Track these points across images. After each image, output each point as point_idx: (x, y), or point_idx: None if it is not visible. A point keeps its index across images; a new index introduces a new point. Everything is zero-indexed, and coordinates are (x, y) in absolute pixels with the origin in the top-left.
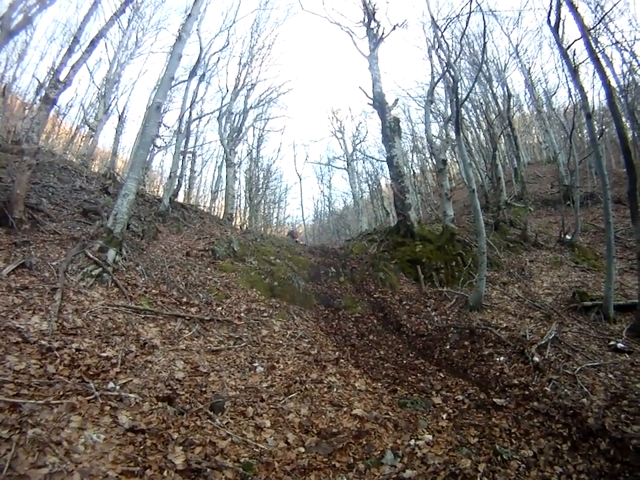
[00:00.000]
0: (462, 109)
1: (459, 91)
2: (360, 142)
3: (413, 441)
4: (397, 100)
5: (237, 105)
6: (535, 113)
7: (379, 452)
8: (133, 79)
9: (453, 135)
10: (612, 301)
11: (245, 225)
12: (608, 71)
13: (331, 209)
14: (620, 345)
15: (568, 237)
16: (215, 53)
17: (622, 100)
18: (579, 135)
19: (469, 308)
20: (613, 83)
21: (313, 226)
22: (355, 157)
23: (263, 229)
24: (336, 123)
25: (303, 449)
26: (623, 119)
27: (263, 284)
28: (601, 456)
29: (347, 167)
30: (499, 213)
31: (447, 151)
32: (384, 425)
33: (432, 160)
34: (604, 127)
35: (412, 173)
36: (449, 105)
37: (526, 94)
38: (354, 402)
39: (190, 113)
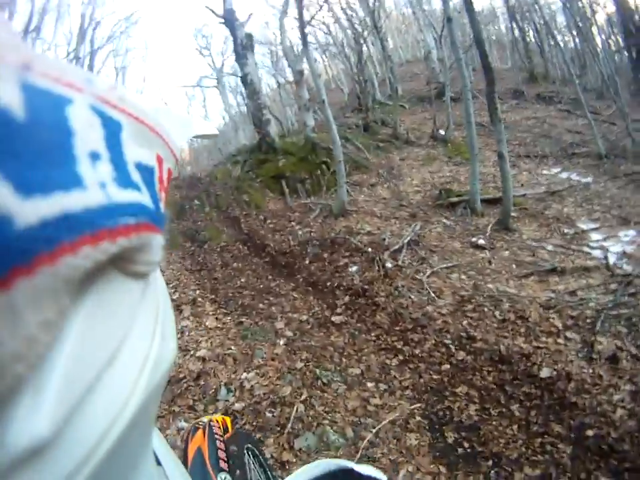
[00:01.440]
0: (327, 11)
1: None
2: (228, 56)
3: (245, 374)
4: (250, 15)
5: (85, 47)
6: (411, 13)
7: (214, 389)
8: None
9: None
10: (478, 195)
11: None
12: None
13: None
14: (481, 242)
15: (441, 132)
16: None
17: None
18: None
19: (333, 216)
20: None
21: (191, 150)
22: (224, 73)
23: None
24: (201, 40)
25: None
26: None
27: None
28: (433, 369)
29: (217, 85)
30: (367, 113)
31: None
32: (224, 361)
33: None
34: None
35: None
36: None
37: None
38: (201, 342)
39: None
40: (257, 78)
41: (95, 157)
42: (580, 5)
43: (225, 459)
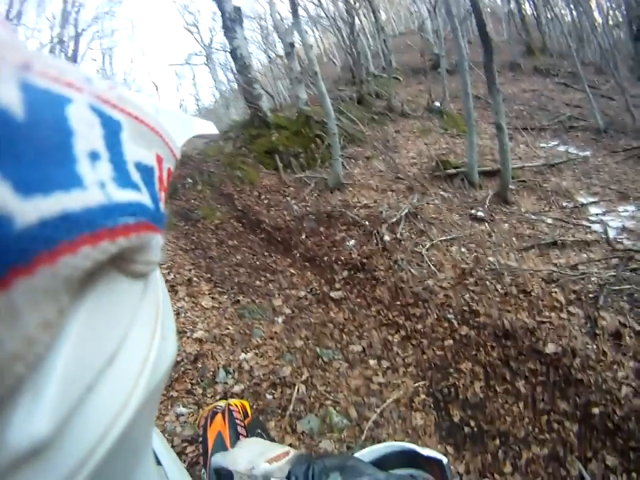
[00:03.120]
0: None
1: None
2: (217, 32)
3: (243, 354)
4: None
5: (68, 31)
6: None
7: (212, 372)
8: None
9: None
10: (476, 167)
11: None
12: None
13: (199, 106)
14: (480, 214)
15: (437, 104)
16: None
17: None
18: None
19: (329, 190)
20: None
21: None
22: (213, 49)
23: None
24: (188, 17)
25: None
26: None
27: None
28: (436, 345)
29: (206, 62)
30: (361, 86)
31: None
32: (222, 342)
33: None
34: None
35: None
36: None
37: None
38: (198, 323)
39: None
40: (246, 52)
41: (94, 156)
42: None
43: None
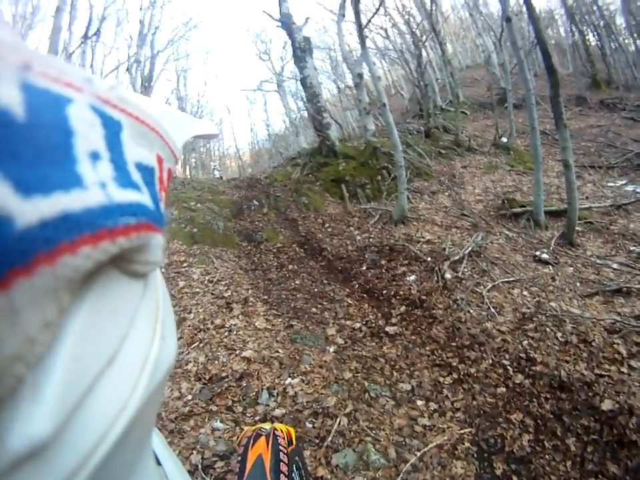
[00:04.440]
0: (384, 15)
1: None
2: (288, 61)
3: (289, 379)
4: (307, 18)
5: (145, 51)
6: (469, 16)
7: (256, 392)
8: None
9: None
10: (542, 207)
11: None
12: None
13: (269, 132)
14: (544, 256)
15: (504, 139)
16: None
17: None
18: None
19: (393, 223)
20: None
21: (252, 153)
22: (284, 77)
23: (199, 170)
24: (261, 45)
25: (190, 397)
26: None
27: (183, 233)
28: (488, 392)
29: (277, 89)
30: (429, 119)
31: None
32: (270, 364)
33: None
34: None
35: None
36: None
37: None
38: (249, 343)
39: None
40: (316, 81)
41: (95, 156)
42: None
43: (287, 474)
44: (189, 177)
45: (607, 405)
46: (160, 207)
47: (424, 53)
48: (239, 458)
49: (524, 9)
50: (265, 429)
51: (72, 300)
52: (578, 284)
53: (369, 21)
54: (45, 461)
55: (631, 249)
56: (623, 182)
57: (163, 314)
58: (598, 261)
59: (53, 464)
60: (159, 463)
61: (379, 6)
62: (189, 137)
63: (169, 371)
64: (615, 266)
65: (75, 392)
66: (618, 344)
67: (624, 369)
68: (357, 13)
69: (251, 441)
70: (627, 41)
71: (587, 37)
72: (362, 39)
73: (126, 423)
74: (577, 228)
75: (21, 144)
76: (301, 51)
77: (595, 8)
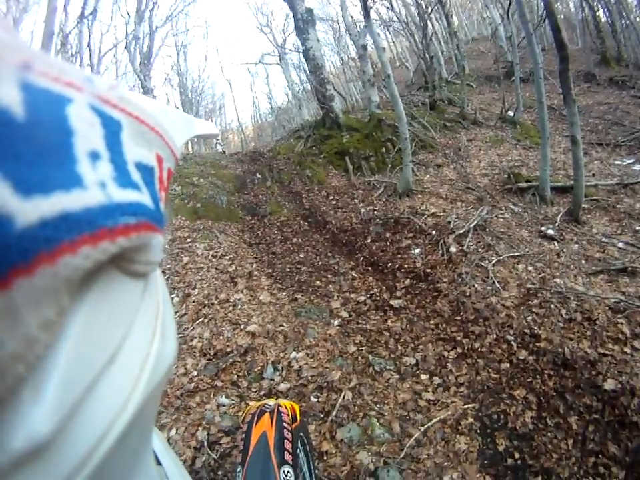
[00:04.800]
0: None
1: None
2: (290, 33)
3: (294, 353)
4: None
5: (143, 28)
6: None
7: (260, 367)
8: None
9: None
10: (548, 182)
11: None
12: None
13: (272, 106)
14: (550, 232)
15: (510, 113)
16: None
17: None
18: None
19: (397, 195)
20: None
21: (255, 127)
22: (287, 50)
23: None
24: (262, 18)
25: (195, 373)
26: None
27: (186, 208)
28: (492, 367)
29: (279, 62)
30: (434, 92)
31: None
32: (274, 338)
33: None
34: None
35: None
36: None
37: None
38: (253, 317)
39: (91, 54)
40: (319, 53)
41: (95, 156)
42: None
43: (290, 451)
44: (191, 152)
45: (609, 385)
46: (160, 207)
47: (429, 25)
48: (243, 435)
49: None
50: (269, 405)
51: (72, 300)
52: (583, 261)
53: None
54: (46, 461)
55: (637, 228)
56: (631, 161)
57: (163, 314)
58: (603, 239)
59: (53, 463)
60: (159, 463)
61: None
62: (189, 136)
63: (168, 370)
64: (620, 245)
65: (75, 392)
66: (622, 324)
67: (627, 349)
68: None
69: (255, 418)
70: (638, 19)
71: (597, 13)
72: (366, 10)
73: (126, 422)
74: (583, 205)
75: (21, 144)
76: (304, 23)
77: None
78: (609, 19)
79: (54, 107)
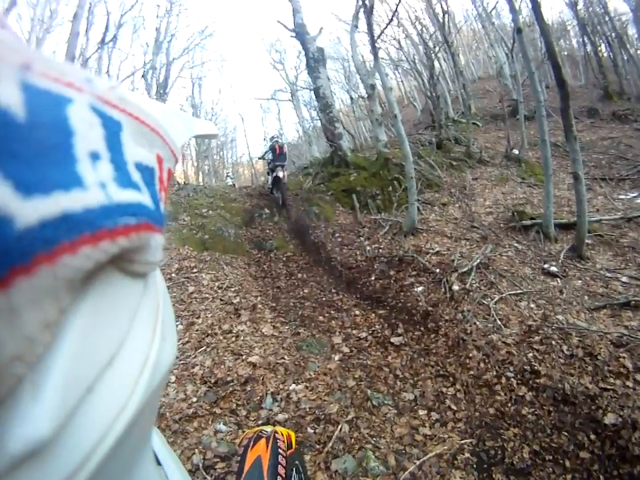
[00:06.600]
0: (397, 27)
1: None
2: (302, 71)
3: (294, 385)
4: (321, 29)
5: (161, 59)
6: (481, 28)
7: (259, 397)
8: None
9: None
10: (552, 219)
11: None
12: None
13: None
14: (553, 269)
15: (515, 151)
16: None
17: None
18: (536, 48)
19: (403, 234)
20: None
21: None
22: (298, 87)
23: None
24: (275, 55)
25: (195, 399)
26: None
27: (194, 239)
28: (491, 404)
29: (291, 98)
30: (441, 131)
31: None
32: (275, 369)
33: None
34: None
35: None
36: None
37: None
38: (255, 348)
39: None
40: (329, 91)
41: (95, 156)
42: None
43: (284, 476)
44: (201, 183)
45: (610, 419)
46: (160, 207)
47: (436, 64)
48: (239, 458)
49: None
50: (266, 432)
51: (72, 300)
52: (586, 297)
53: (382, 31)
54: (45, 461)
55: None
56: (634, 194)
57: (163, 315)
58: (607, 274)
59: (52, 464)
60: (159, 463)
61: (392, 17)
62: (189, 136)
63: (168, 371)
64: (624, 279)
65: (74, 392)
66: (624, 357)
67: (629, 383)
68: (370, 24)
69: (251, 442)
70: (639, 52)
71: (599, 48)
72: (375, 49)
73: (126, 422)
74: (586, 241)
75: (21, 144)
76: (315, 61)
77: (607, 19)
78: (610, 54)
79: (54, 107)
